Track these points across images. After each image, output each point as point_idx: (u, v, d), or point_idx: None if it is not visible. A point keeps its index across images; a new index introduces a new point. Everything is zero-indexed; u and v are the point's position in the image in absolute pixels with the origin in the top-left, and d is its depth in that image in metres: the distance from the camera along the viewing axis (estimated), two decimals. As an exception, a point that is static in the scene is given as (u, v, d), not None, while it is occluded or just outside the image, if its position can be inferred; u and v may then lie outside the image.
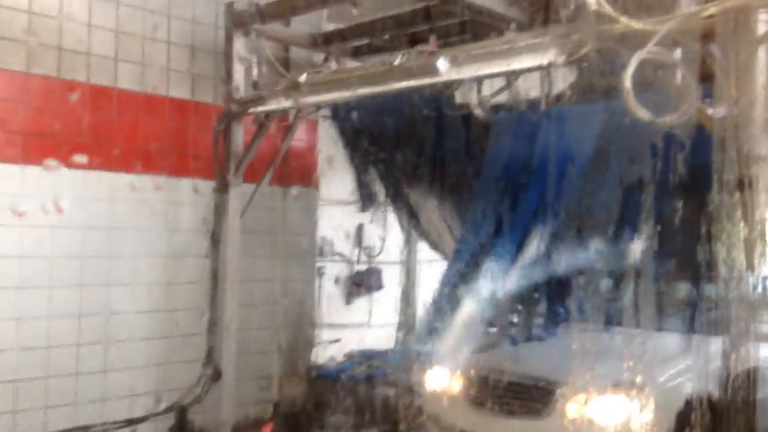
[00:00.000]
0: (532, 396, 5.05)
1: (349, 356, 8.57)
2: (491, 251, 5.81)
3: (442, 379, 5.68)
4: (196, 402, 6.15)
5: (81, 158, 5.93)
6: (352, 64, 6.74)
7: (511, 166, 6.08)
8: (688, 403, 4.81)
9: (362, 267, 8.68)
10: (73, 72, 5.90)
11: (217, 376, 6.11)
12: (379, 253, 8.54)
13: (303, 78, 5.15)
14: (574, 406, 4.86)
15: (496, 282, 5.62)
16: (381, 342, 8.19)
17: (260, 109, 5.73)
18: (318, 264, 8.03)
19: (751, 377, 3.68)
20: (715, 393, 4.77)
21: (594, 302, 5.63)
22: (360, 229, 8.63)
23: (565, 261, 5.48)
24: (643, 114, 3.62)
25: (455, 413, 5.44)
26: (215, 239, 6.15)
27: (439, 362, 5.84)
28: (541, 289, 5.97)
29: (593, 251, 5.33)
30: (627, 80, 3.61)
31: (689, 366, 5.09)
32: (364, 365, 8.05)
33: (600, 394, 4.78)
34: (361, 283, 8.65)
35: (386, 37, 6.18)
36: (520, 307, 6.09)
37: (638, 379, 4.78)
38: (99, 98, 6.05)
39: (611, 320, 5.62)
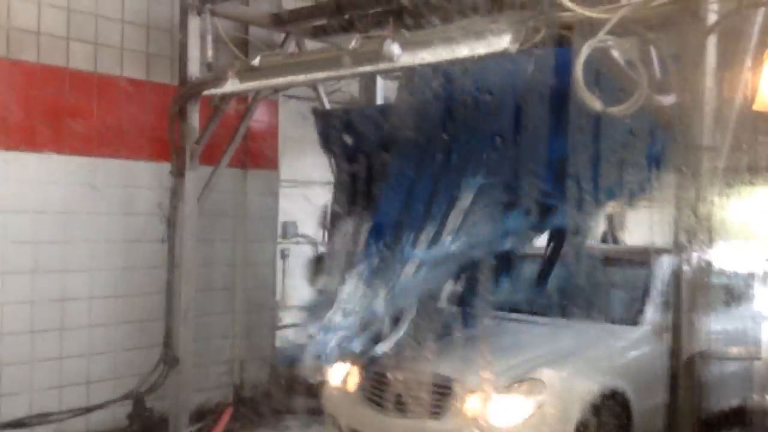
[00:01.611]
0: (428, 395, 4.74)
1: (313, 338, 8.54)
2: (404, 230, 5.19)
3: (340, 376, 5.36)
4: (155, 388, 6.06)
5: (32, 142, 5.78)
6: (312, 44, 6.62)
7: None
8: (598, 398, 4.59)
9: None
10: (23, 52, 5.72)
11: (174, 361, 6.03)
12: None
13: (257, 61, 5.03)
14: (472, 406, 4.57)
15: (404, 267, 5.17)
16: (346, 323, 8.14)
17: (215, 91, 5.60)
18: (281, 246, 7.97)
19: (697, 362, 3.67)
20: (625, 385, 4.71)
21: (504, 288, 5.33)
22: (325, 209, 8.56)
23: (478, 243, 5.04)
24: (594, 103, 3.58)
25: (350, 413, 5.16)
26: (171, 223, 6.03)
27: (340, 357, 5.36)
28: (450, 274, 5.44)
29: (509, 230, 5.02)
30: (578, 68, 3.57)
31: (599, 357, 4.90)
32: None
33: (500, 392, 4.51)
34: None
35: (347, 17, 6.05)
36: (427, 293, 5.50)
37: (541, 375, 4.57)
38: (50, 79, 5.88)
39: (523, 308, 5.40)
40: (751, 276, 5.06)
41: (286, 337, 7.34)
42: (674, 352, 3.66)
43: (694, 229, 3.46)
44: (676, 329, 3.66)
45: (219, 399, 6.87)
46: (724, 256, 3.71)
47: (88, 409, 5.99)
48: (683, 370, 3.65)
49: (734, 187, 3.57)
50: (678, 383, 3.61)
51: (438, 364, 4.88)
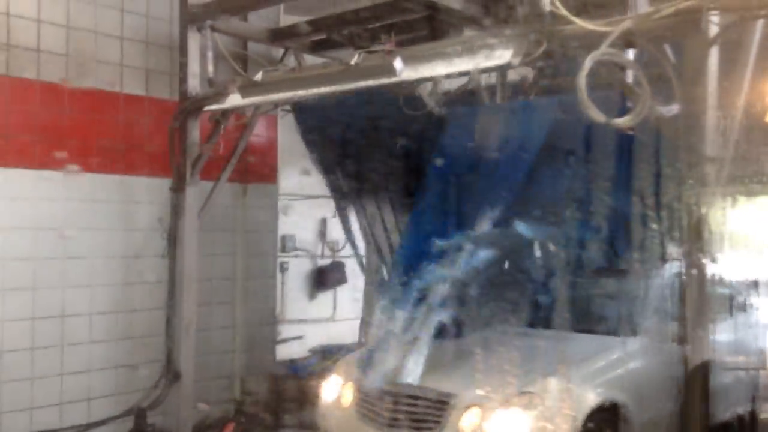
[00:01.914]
0: (424, 409, 4.69)
1: (313, 352, 8.55)
2: (431, 251, 5.27)
3: (334, 390, 5.30)
4: (156, 404, 6.05)
5: (32, 158, 5.78)
6: (311, 59, 6.65)
7: (461, 161, 5.70)
8: (597, 411, 4.54)
9: (326, 261, 8.66)
10: (22, 69, 5.73)
11: (176, 377, 6.01)
12: (343, 247, 8.51)
13: (258, 76, 5.05)
14: (469, 420, 4.51)
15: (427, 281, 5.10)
16: (345, 336, 8.15)
17: (216, 106, 5.62)
18: (280, 259, 7.98)
19: (707, 370, 3.69)
20: (625, 397, 4.68)
21: (512, 302, 5.35)
22: (323, 223, 8.60)
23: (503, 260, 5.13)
24: (597, 115, 3.62)
25: (345, 428, 5.09)
26: (172, 238, 6.03)
27: (336, 371, 5.44)
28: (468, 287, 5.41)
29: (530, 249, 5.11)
30: (581, 81, 3.61)
31: (598, 369, 4.86)
32: (328, 361, 8.01)
33: (497, 406, 4.46)
34: (325, 277, 8.62)
35: (345, 32, 6.09)
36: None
37: (540, 388, 4.52)
38: (50, 95, 5.89)
39: (528, 321, 5.38)
40: (756, 285, 5.09)
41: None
42: (680, 363, 3.68)
43: (698, 239, 3.49)
44: (682, 340, 3.69)
45: (220, 414, 6.84)
46: (729, 266, 3.74)
47: (90, 426, 5.96)
48: (688, 381, 3.67)
49: (739, 198, 3.61)
50: (684, 393, 3.62)
51: (434, 378, 4.83)
